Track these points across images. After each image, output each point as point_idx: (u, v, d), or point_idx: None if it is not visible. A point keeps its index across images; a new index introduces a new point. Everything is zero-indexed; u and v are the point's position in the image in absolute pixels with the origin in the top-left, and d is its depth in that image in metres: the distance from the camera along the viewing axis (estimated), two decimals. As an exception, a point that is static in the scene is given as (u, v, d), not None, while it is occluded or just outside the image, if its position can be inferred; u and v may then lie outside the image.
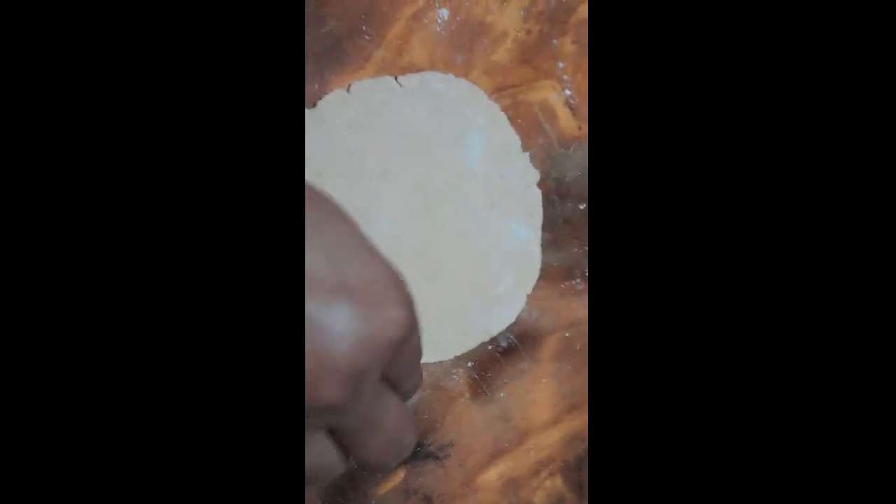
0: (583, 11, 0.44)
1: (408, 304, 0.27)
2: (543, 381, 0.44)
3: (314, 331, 0.24)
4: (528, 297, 0.43)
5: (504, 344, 0.43)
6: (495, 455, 0.43)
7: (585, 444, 0.43)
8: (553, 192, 0.44)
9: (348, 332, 0.24)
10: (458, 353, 0.42)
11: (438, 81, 0.43)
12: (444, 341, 0.42)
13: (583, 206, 0.44)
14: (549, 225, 0.44)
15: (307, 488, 0.25)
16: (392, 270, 0.27)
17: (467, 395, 0.43)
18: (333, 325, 0.24)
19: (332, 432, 0.27)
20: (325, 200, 0.27)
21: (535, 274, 0.43)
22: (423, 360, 0.31)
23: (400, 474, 0.42)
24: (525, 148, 0.44)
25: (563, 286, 0.44)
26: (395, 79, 0.43)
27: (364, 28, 0.44)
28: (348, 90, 0.42)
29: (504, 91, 0.44)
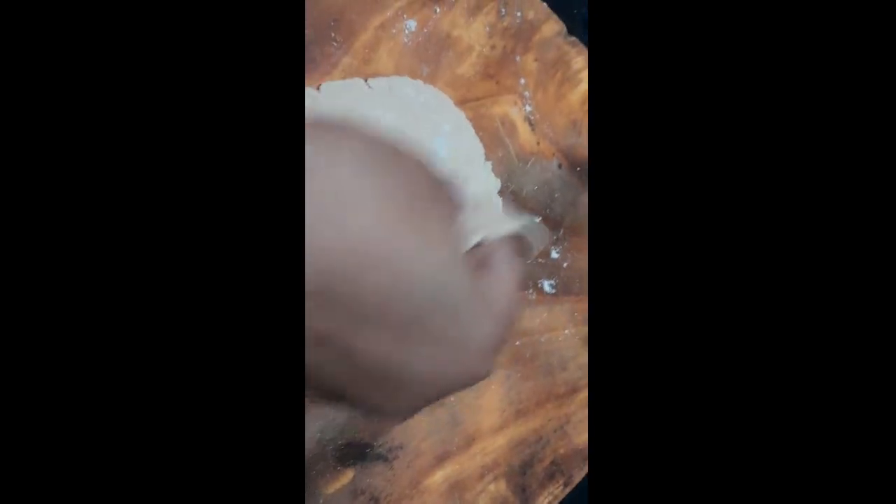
0: (546, 30, 0.46)
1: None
2: (493, 387, 0.44)
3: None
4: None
5: (456, 349, 0.44)
6: (442, 458, 0.43)
7: (530, 449, 0.44)
8: (510, 205, 0.45)
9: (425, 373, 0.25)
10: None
11: (407, 86, 0.44)
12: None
13: (538, 220, 0.46)
14: (503, 236, 0.45)
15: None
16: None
17: (419, 396, 0.43)
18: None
19: None
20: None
21: None
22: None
23: (349, 474, 0.42)
24: (487, 158, 0.45)
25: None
26: (365, 81, 0.44)
27: (333, 35, 0.44)
28: (318, 89, 0.43)
29: (467, 103, 0.46)
